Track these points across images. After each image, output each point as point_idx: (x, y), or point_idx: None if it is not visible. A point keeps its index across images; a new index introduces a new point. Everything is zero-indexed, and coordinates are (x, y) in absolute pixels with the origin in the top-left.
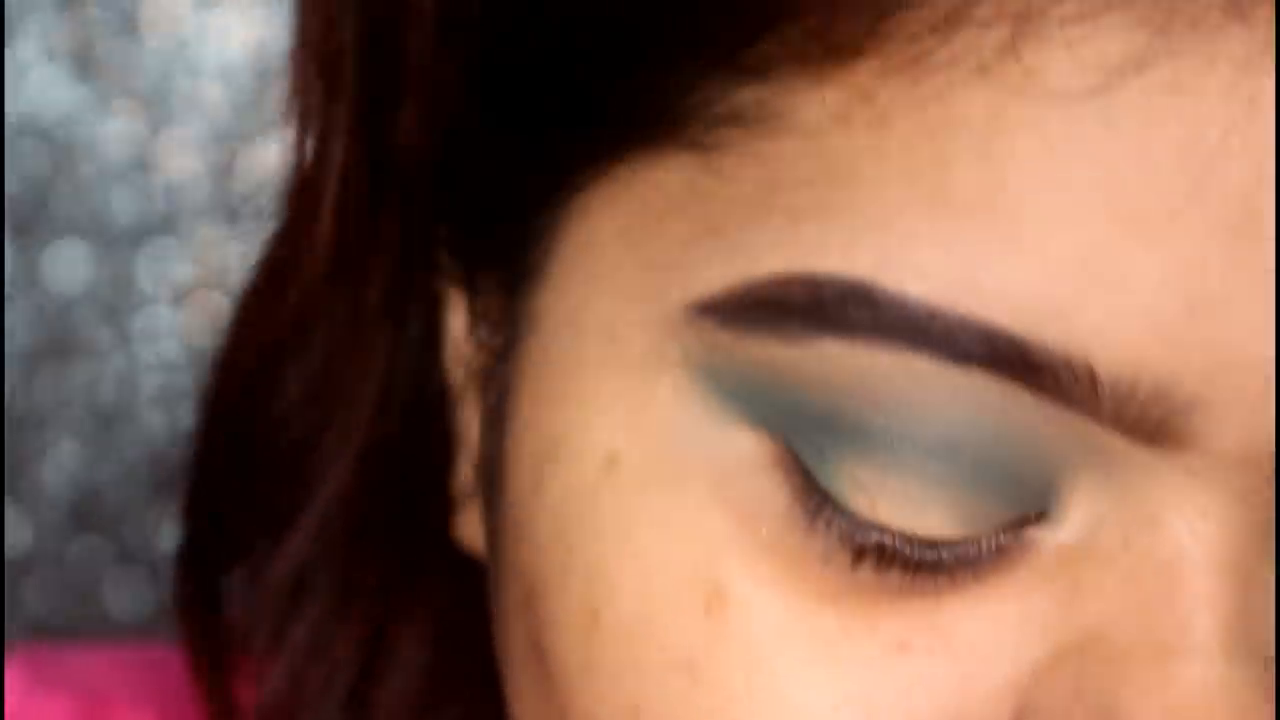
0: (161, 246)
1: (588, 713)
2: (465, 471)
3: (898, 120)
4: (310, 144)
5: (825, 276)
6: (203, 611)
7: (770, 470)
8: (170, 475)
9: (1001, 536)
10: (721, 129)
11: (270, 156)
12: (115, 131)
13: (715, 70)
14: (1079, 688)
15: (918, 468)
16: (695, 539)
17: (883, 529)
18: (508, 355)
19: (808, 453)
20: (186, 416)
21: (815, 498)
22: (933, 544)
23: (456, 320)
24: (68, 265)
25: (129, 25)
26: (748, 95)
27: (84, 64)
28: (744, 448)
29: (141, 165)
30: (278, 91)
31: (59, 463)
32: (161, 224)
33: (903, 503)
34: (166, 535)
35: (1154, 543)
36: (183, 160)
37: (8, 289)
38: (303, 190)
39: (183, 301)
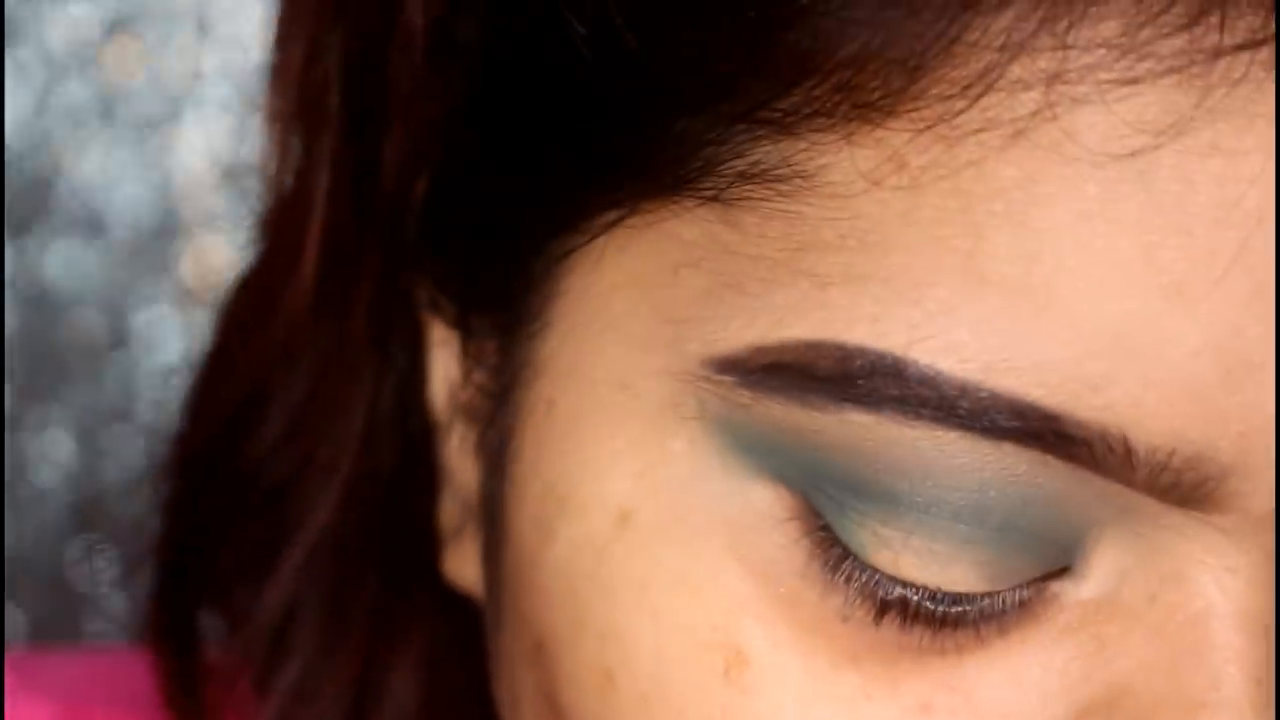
0: (162, 247)
1: None
2: (451, 507)
3: (929, 185)
4: (290, 174)
5: (855, 348)
6: (178, 648)
7: (787, 525)
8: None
9: (1024, 591)
10: (744, 184)
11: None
12: (116, 131)
13: (736, 124)
14: None
15: (944, 528)
16: (713, 598)
17: (906, 584)
18: (506, 399)
19: (828, 507)
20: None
21: (835, 551)
22: (956, 599)
23: (441, 354)
24: (68, 265)
25: (129, 25)
26: (772, 151)
27: (84, 64)
28: (761, 501)
29: (142, 165)
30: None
31: (58, 463)
32: (163, 224)
33: (928, 560)
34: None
35: (1181, 599)
36: (184, 160)
37: (8, 289)
38: (285, 220)
39: (184, 302)
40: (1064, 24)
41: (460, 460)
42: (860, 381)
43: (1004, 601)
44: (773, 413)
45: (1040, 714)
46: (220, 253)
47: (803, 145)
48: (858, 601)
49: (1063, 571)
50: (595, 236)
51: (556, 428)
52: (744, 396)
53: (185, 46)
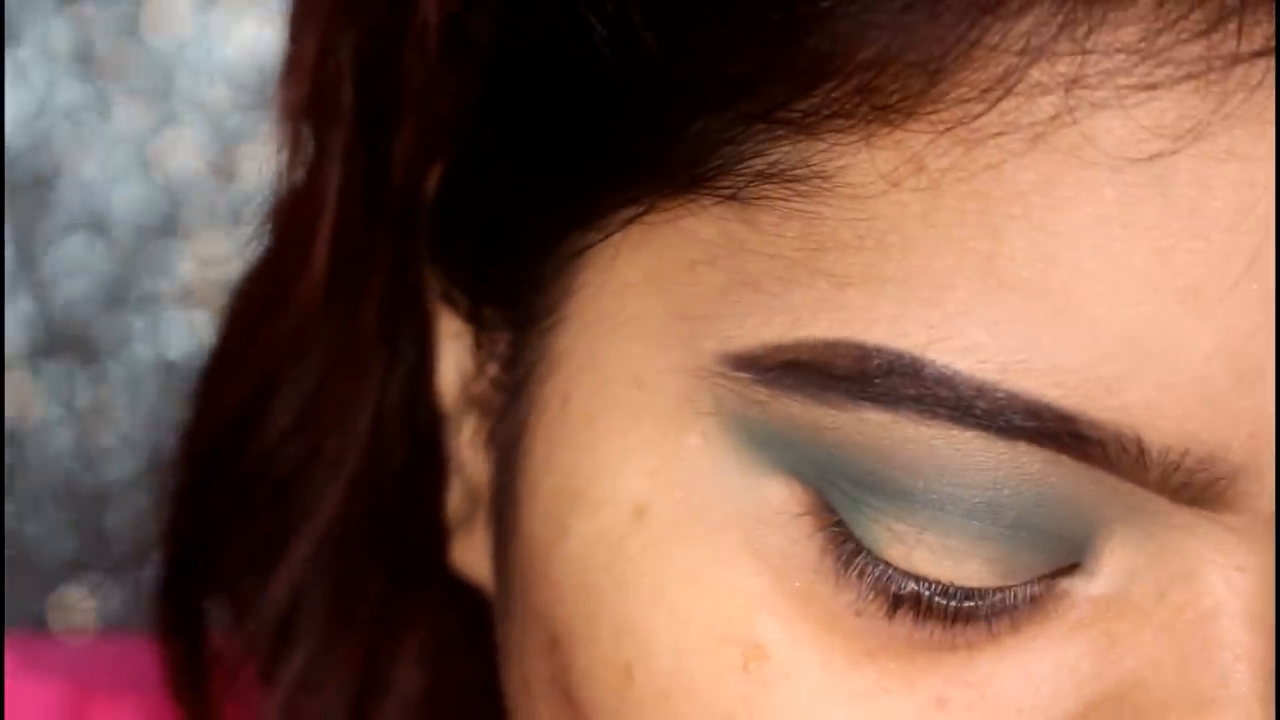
0: (163, 246)
1: None
2: (458, 499)
3: (948, 188)
4: (302, 167)
5: (873, 347)
6: (184, 639)
7: (802, 520)
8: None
9: (1035, 586)
10: (762, 184)
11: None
12: (116, 131)
13: (755, 124)
14: None
15: (957, 525)
16: (729, 594)
17: (919, 578)
18: (520, 394)
19: (842, 503)
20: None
21: (849, 546)
22: (969, 594)
23: (453, 347)
24: (68, 265)
25: (130, 25)
26: (791, 152)
27: (84, 64)
28: (776, 497)
29: (143, 165)
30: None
31: (64, 456)
32: (163, 224)
33: (941, 556)
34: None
35: (1190, 597)
36: (184, 160)
37: (8, 288)
38: (296, 214)
39: (184, 302)
40: (1083, 29)
41: (471, 453)
42: (877, 380)
43: (1016, 597)
44: (789, 410)
45: (1052, 708)
46: (220, 253)
47: (822, 146)
48: (871, 596)
49: (1074, 568)
50: (611, 233)
51: (570, 423)
52: (760, 393)
53: (185, 46)
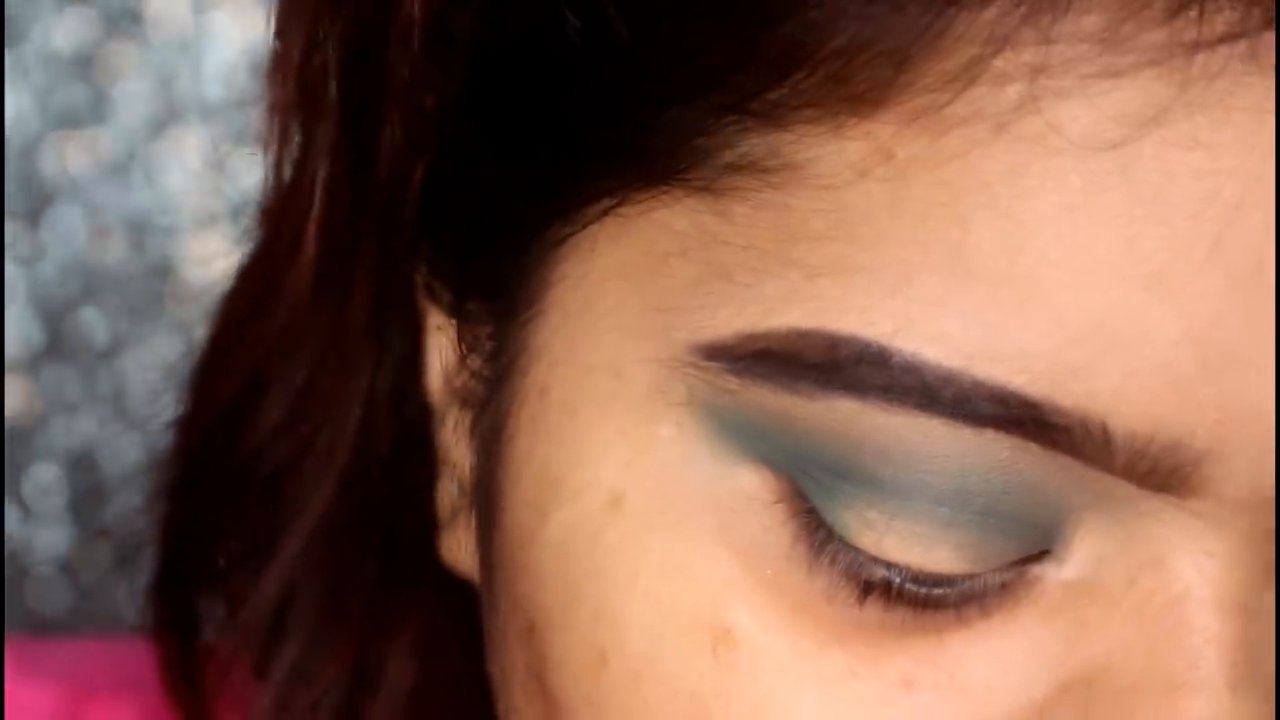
0: (163, 246)
1: None
2: (448, 492)
3: (916, 177)
4: (289, 164)
5: (843, 337)
6: (177, 635)
7: (774, 507)
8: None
9: (1005, 573)
10: (733, 175)
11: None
12: (116, 131)
13: (726, 115)
14: None
15: (926, 512)
16: (701, 580)
17: (890, 565)
18: (501, 385)
19: (814, 491)
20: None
21: (821, 533)
22: (939, 580)
23: (438, 340)
24: (68, 265)
25: (130, 25)
26: (761, 143)
27: (84, 64)
28: (748, 485)
29: (143, 165)
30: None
31: (59, 461)
32: (163, 224)
33: (911, 542)
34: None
35: (1159, 582)
36: (183, 160)
37: (8, 288)
38: (284, 210)
39: (184, 302)
40: (1047, 18)
41: (455, 445)
42: (846, 369)
43: (985, 583)
44: (760, 399)
45: (1021, 692)
46: (219, 252)
47: (791, 137)
48: (842, 583)
49: (1044, 555)
50: (587, 225)
51: (550, 414)
52: (731, 383)
53: (185, 46)
